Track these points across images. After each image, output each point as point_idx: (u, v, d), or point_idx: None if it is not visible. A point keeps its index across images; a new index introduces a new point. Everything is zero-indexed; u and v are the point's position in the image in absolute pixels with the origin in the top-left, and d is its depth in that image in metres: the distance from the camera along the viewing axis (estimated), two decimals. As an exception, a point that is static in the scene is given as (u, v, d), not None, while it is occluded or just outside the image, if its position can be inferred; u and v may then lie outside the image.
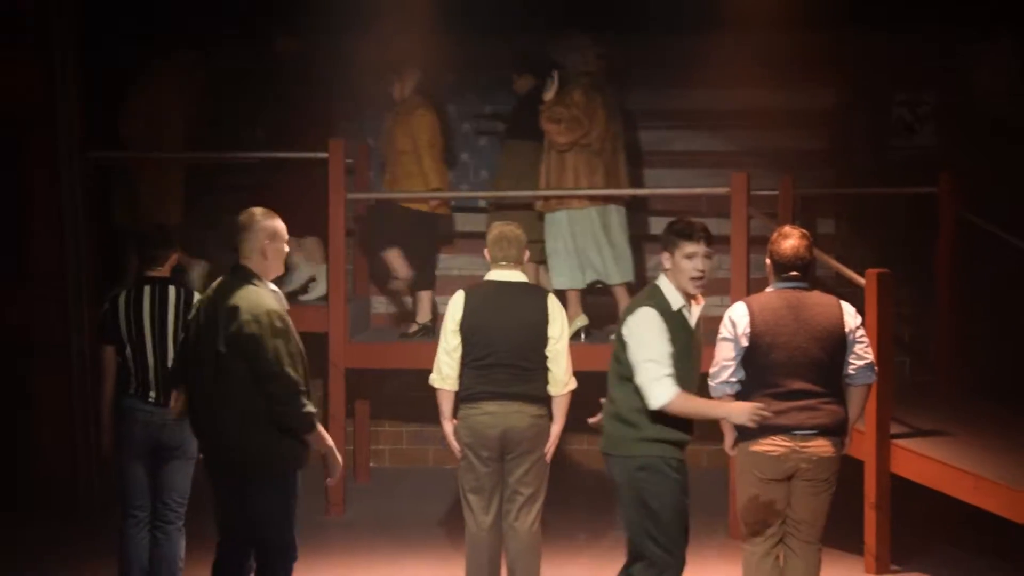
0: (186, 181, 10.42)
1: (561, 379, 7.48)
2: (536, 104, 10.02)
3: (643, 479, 6.41)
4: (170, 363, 7.28)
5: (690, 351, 6.48)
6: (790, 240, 6.76)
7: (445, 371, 7.52)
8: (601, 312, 10.27)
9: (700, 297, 6.57)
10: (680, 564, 6.47)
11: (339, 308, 9.87)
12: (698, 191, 10.47)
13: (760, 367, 6.65)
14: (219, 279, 6.53)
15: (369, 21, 10.53)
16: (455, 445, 7.55)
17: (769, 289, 6.82)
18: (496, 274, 7.62)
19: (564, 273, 9.91)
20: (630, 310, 6.48)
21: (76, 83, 9.87)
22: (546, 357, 7.46)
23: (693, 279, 6.42)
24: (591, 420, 6.70)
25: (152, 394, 7.35)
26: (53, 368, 9.91)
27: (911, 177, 10.91)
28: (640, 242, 10.84)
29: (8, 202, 9.95)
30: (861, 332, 6.77)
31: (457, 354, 7.49)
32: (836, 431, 6.72)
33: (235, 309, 6.27)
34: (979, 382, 10.63)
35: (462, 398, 7.52)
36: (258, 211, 6.54)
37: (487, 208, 10.88)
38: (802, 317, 6.67)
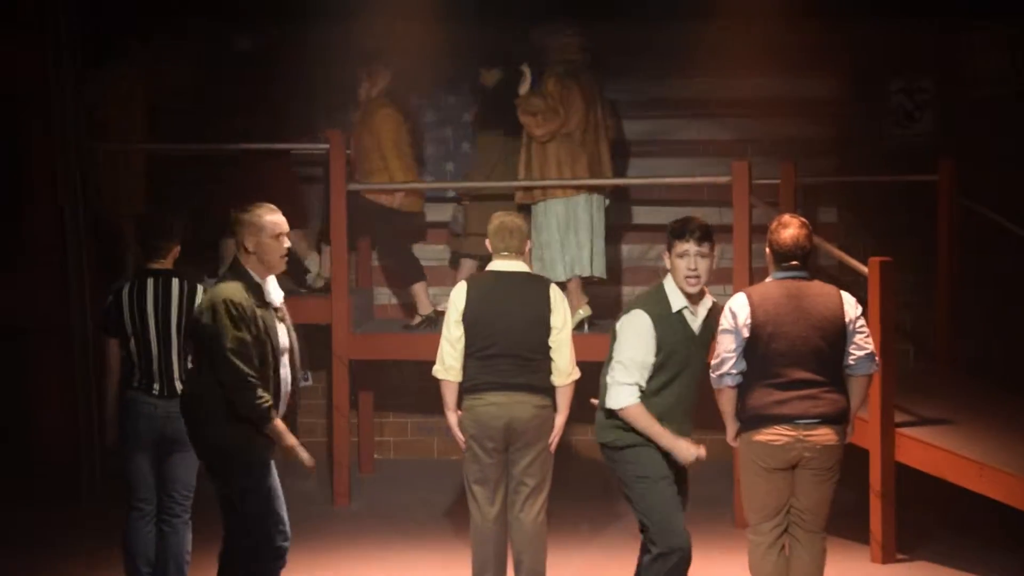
0: (150, 173, 10.42)
1: (564, 369, 7.48)
2: (504, 98, 10.02)
3: (624, 462, 6.57)
4: (174, 356, 7.29)
5: (690, 353, 6.51)
6: (790, 229, 6.75)
7: (448, 362, 7.52)
8: (604, 303, 10.28)
9: (707, 293, 6.58)
10: (681, 540, 6.51)
11: (342, 300, 9.88)
12: (700, 180, 10.46)
13: (761, 357, 6.65)
14: None
15: (360, 10, 10.48)
16: (460, 436, 7.56)
17: (769, 279, 6.82)
18: (498, 264, 7.62)
19: (558, 264, 9.85)
20: (627, 308, 6.58)
21: (73, 66, 9.86)
22: (549, 347, 7.47)
23: (687, 278, 6.46)
24: (595, 400, 6.79)
25: (156, 387, 7.34)
26: (54, 354, 9.92)
27: (911, 165, 10.91)
28: (643, 233, 10.87)
29: (6, 186, 9.95)
30: (862, 322, 6.77)
31: (460, 345, 7.49)
32: (838, 419, 6.73)
33: (200, 300, 6.62)
34: (982, 369, 10.64)
35: (466, 389, 7.52)
36: (249, 206, 6.61)
37: (457, 199, 10.86)
38: (803, 307, 6.67)
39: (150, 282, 7.42)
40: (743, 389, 6.72)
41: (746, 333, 6.64)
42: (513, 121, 9.93)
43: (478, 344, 7.46)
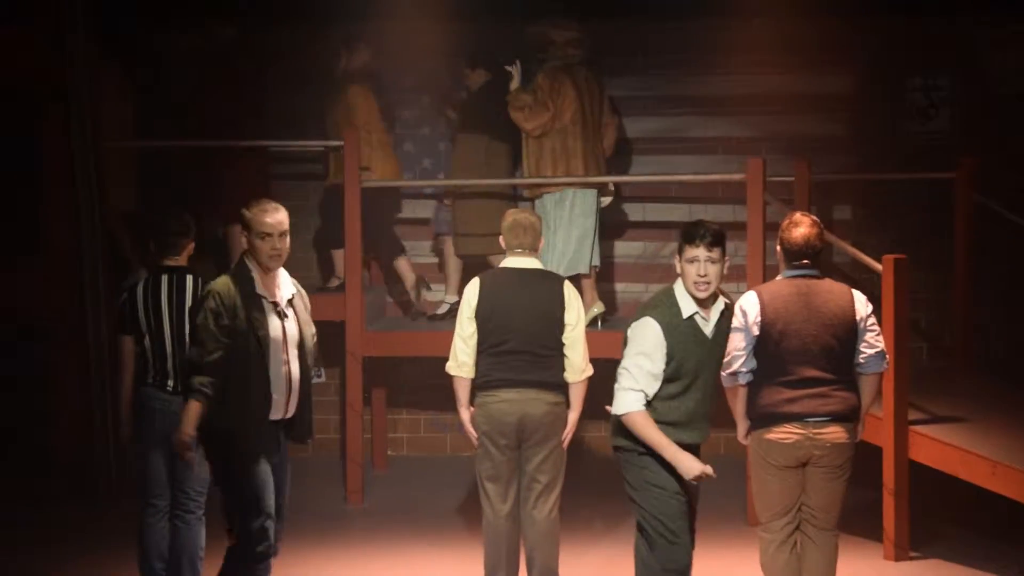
0: (141, 169, 10.48)
1: (578, 366, 7.48)
2: (489, 99, 10.04)
3: (626, 465, 6.51)
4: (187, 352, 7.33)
5: (705, 357, 6.47)
6: (800, 228, 6.74)
7: (461, 358, 7.52)
8: (620, 301, 10.29)
9: (721, 294, 6.54)
10: (679, 546, 6.45)
11: (356, 297, 9.89)
12: (715, 177, 10.45)
13: (771, 356, 6.64)
14: None
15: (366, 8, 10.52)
16: (472, 433, 7.56)
17: (780, 277, 6.81)
18: (512, 261, 7.62)
19: (551, 261, 9.81)
20: (638, 314, 6.49)
21: (90, 64, 9.89)
22: (562, 344, 7.46)
23: (696, 284, 6.40)
24: (609, 407, 6.75)
25: (170, 383, 7.36)
26: (69, 353, 9.95)
27: (927, 162, 10.88)
28: (658, 230, 10.87)
29: (22, 185, 9.98)
30: (872, 320, 6.75)
31: (473, 341, 7.49)
32: (849, 417, 6.72)
33: None
34: (996, 367, 10.61)
35: (478, 385, 7.52)
36: (252, 204, 6.71)
37: (437, 196, 10.86)
38: (813, 305, 6.65)
39: (164, 279, 7.43)
40: (753, 387, 6.71)
41: (756, 331, 6.62)
42: (497, 123, 9.98)
43: (491, 340, 7.46)
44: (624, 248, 11.07)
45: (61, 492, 9.72)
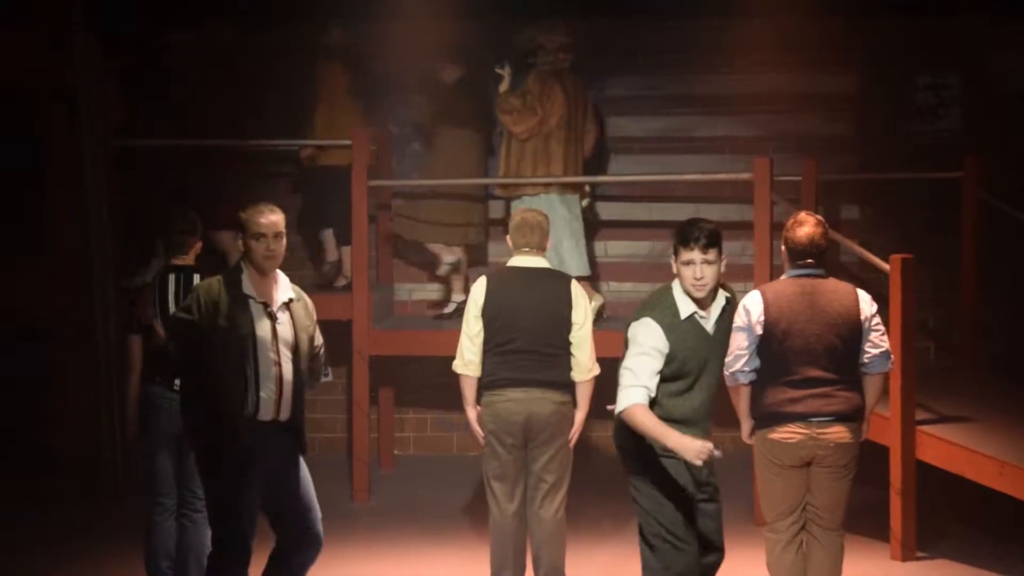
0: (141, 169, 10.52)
1: (585, 365, 7.48)
2: (463, 95, 10.07)
3: (628, 464, 6.49)
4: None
5: (708, 354, 6.44)
6: (805, 227, 6.73)
7: (468, 357, 7.53)
8: (627, 301, 10.29)
9: (722, 289, 6.52)
10: (682, 547, 6.40)
11: (363, 296, 9.89)
12: (721, 177, 10.45)
13: (775, 355, 6.63)
14: None
15: (394, 8, 10.53)
16: (479, 432, 7.56)
17: (784, 277, 6.80)
18: (518, 260, 7.62)
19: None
20: (638, 314, 6.45)
21: (96, 64, 9.90)
22: (569, 343, 7.46)
23: (693, 285, 6.38)
24: (610, 407, 6.73)
25: (177, 382, 7.36)
26: (76, 353, 9.96)
27: (935, 162, 10.87)
28: (664, 230, 10.86)
29: (29, 185, 9.98)
30: (877, 320, 6.74)
31: (479, 340, 7.49)
32: (853, 417, 6.70)
33: None
34: (1004, 367, 10.60)
35: (485, 384, 7.52)
36: (249, 205, 6.66)
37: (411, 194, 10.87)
38: (817, 304, 6.64)
39: (171, 278, 7.44)
40: (757, 386, 6.70)
41: (759, 330, 6.61)
42: (471, 118, 10.06)
43: (498, 339, 7.46)
44: (631, 248, 11.08)
45: (66, 492, 9.72)
